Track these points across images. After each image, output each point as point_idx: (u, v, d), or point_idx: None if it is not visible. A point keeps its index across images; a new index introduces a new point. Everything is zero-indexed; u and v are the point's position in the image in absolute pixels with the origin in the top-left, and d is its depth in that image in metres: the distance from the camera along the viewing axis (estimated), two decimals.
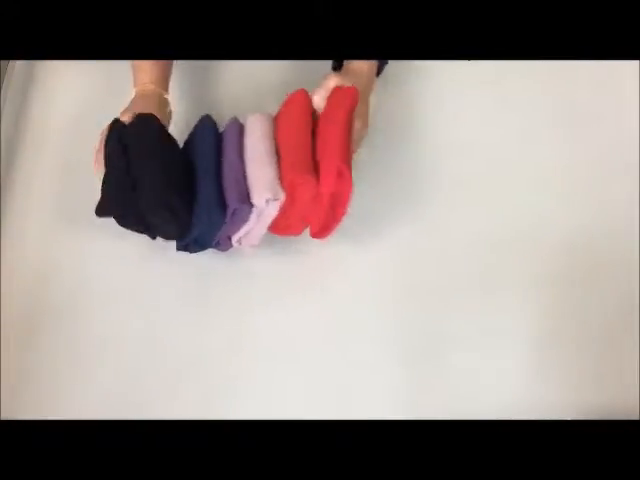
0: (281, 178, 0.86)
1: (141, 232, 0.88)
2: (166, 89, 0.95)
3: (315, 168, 0.86)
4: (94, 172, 0.88)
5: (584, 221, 0.97)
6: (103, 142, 0.89)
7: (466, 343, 0.89)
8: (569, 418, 0.84)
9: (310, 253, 0.91)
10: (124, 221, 0.86)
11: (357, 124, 0.90)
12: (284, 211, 0.86)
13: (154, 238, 0.89)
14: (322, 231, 0.89)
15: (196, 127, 0.93)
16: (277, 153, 0.89)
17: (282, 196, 0.85)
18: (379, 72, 0.99)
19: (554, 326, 0.90)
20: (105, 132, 0.89)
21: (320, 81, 0.93)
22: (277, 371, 0.87)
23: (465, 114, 1.05)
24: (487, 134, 1.03)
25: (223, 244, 0.89)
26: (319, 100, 0.92)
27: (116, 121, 0.89)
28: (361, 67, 0.95)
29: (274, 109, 1.03)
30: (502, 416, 0.82)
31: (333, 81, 0.92)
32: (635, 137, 1.03)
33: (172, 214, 0.85)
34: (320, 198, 0.86)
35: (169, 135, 0.90)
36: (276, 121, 0.92)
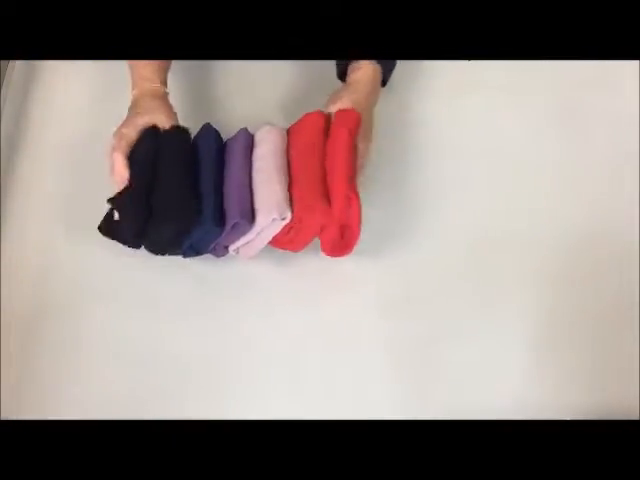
0: (293, 203, 0.85)
1: (131, 234, 0.87)
2: (166, 86, 0.95)
3: (328, 196, 0.86)
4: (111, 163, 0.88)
5: (584, 220, 0.97)
6: (126, 143, 0.88)
7: (465, 343, 0.89)
8: (568, 418, 0.84)
9: (309, 258, 0.91)
10: (130, 223, 0.86)
11: (361, 146, 0.89)
12: (289, 232, 0.86)
13: (138, 247, 0.88)
14: (333, 251, 0.89)
15: (198, 135, 0.92)
16: (289, 174, 0.88)
17: (289, 217, 0.84)
18: (385, 82, 0.99)
19: (554, 325, 0.90)
20: (122, 134, 0.89)
21: (331, 100, 0.93)
22: (277, 373, 0.87)
23: (464, 115, 1.05)
24: (485, 134, 1.03)
25: (219, 251, 0.89)
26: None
27: (153, 127, 0.90)
28: (364, 81, 0.94)
29: (273, 109, 1.03)
30: (501, 416, 0.82)
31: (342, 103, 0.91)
32: (635, 137, 1.03)
33: (179, 230, 0.85)
34: (333, 222, 0.85)
35: (194, 149, 0.91)
36: (289, 138, 0.92)
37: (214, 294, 0.91)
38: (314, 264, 0.92)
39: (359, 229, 0.86)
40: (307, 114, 0.93)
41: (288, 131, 0.93)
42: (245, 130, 0.93)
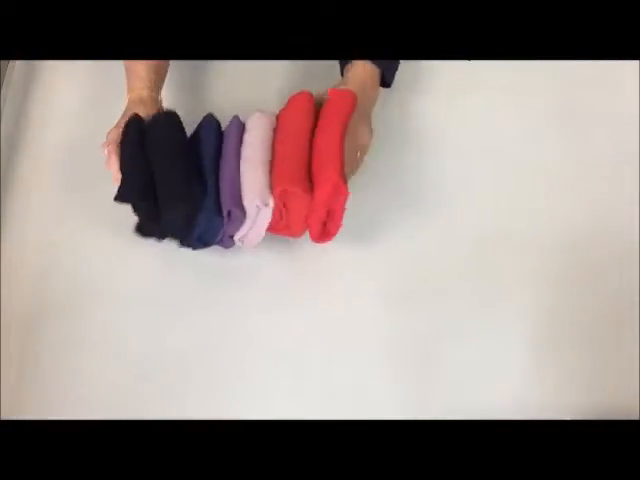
0: (272, 186, 0.85)
1: (149, 225, 0.87)
2: (159, 94, 0.95)
3: (309, 178, 0.86)
4: (106, 163, 0.88)
5: (584, 220, 0.97)
6: (115, 136, 0.88)
7: (466, 343, 0.89)
8: (568, 418, 0.84)
9: (313, 253, 0.91)
10: (140, 210, 0.86)
11: (360, 138, 0.90)
12: (280, 215, 0.86)
13: (162, 239, 0.88)
14: (320, 238, 0.89)
15: (200, 126, 0.93)
16: (272, 157, 0.88)
17: (271, 203, 0.85)
18: (389, 84, 0.99)
19: (554, 325, 0.90)
20: (111, 139, 0.89)
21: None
22: (277, 371, 0.87)
23: (464, 114, 1.05)
24: (485, 134, 1.03)
25: (226, 242, 0.89)
26: None
27: (135, 116, 0.90)
28: (356, 80, 0.94)
29: (273, 109, 1.03)
30: (501, 416, 0.82)
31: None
32: (635, 137, 1.03)
33: (189, 211, 0.85)
34: (315, 208, 0.86)
35: (185, 134, 0.91)
36: (277, 122, 0.92)
37: (215, 294, 0.91)
38: (316, 262, 0.92)
39: (342, 216, 0.86)
40: (294, 95, 0.93)
41: (277, 116, 0.93)
42: (237, 118, 0.93)
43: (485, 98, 1.06)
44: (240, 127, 0.92)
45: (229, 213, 0.85)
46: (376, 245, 0.93)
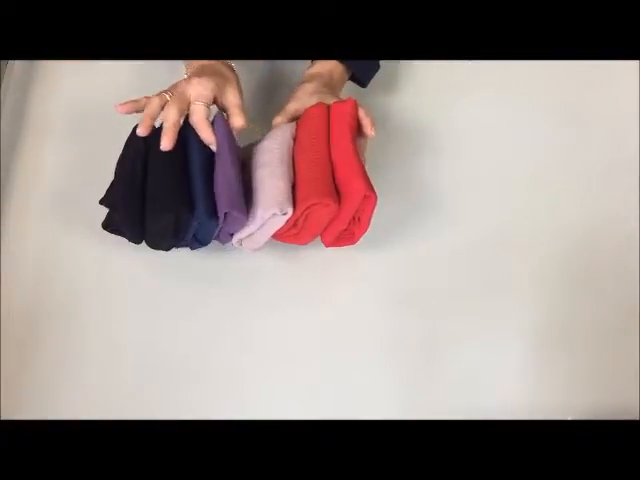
0: (300, 197, 0.85)
1: (129, 229, 0.86)
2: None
3: (336, 189, 0.86)
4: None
5: (583, 221, 0.97)
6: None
7: (466, 344, 0.89)
8: (568, 418, 0.84)
9: (313, 256, 0.91)
10: (124, 216, 0.85)
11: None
12: (294, 224, 0.86)
13: (139, 241, 0.87)
14: (335, 243, 0.89)
15: (183, 127, 0.91)
16: (295, 168, 0.88)
17: (290, 212, 0.84)
18: (364, 83, 1.00)
19: (554, 326, 0.90)
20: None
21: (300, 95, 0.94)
22: (277, 371, 0.87)
23: (464, 115, 1.05)
24: (485, 135, 1.03)
25: (223, 238, 0.88)
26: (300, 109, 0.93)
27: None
28: (326, 68, 0.96)
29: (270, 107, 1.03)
30: (501, 416, 0.82)
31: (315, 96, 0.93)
32: (635, 137, 1.03)
33: (176, 225, 0.84)
34: (341, 217, 0.86)
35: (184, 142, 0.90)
36: (296, 133, 0.91)
37: (214, 297, 0.91)
38: (317, 263, 0.92)
39: (368, 225, 0.86)
40: (309, 107, 0.93)
41: (296, 126, 0.93)
42: (220, 114, 0.90)
43: (485, 98, 1.06)
44: (227, 125, 0.89)
45: (225, 215, 0.83)
46: (376, 247, 0.93)
